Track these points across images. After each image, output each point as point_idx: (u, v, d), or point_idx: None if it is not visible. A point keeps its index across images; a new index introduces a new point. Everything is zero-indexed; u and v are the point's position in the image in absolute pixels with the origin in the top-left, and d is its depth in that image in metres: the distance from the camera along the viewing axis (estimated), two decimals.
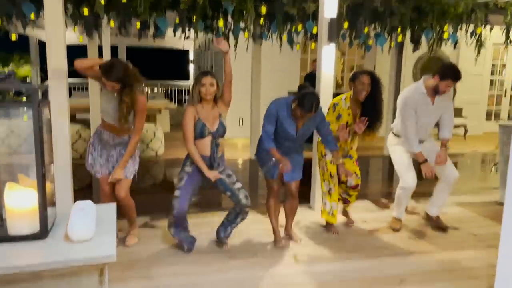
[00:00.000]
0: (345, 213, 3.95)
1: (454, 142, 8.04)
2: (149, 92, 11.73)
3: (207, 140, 3.03)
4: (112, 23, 4.71)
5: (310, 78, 7.57)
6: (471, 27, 5.51)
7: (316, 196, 4.21)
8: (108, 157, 3.15)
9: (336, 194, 3.60)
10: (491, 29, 5.59)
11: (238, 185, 3.11)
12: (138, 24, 4.81)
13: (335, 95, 4.24)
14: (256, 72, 6.54)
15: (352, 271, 3.02)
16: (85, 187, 5.14)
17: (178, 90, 13.38)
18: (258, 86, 6.61)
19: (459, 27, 5.45)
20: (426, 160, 3.48)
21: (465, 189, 5.16)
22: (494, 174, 6.24)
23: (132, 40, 10.10)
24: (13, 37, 5.20)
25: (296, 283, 2.82)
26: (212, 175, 3.03)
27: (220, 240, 3.30)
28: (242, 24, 5.17)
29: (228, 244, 3.32)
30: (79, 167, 3.98)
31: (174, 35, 5.24)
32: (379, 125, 3.52)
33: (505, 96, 10.48)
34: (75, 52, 4.51)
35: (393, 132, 3.77)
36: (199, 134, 3.00)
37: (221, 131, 3.06)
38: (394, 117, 3.95)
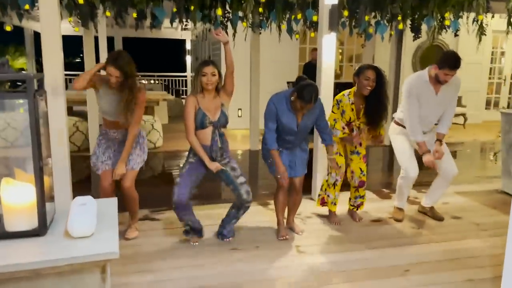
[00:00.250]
0: (351, 212, 3.84)
1: (453, 131, 8.02)
2: (146, 83, 11.63)
3: (208, 130, 2.99)
4: (108, 13, 4.63)
5: (309, 67, 7.52)
6: (472, 14, 5.44)
7: (318, 188, 4.18)
8: (114, 153, 3.15)
9: (340, 185, 3.58)
10: (492, 16, 5.52)
11: (241, 179, 3.08)
12: (134, 14, 4.73)
13: (335, 85, 4.19)
14: (255, 62, 6.46)
15: (355, 262, 2.99)
16: (84, 180, 5.10)
17: (175, 81, 13.29)
18: (257, 76, 6.54)
19: (460, 14, 5.37)
20: (428, 151, 3.44)
21: (466, 178, 5.15)
22: (495, 163, 6.23)
23: (129, 31, 9.99)
24: (8, 28, 5.11)
25: (299, 275, 2.80)
26: (213, 166, 2.98)
27: (223, 238, 3.27)
28: (240, 13, 5.10)
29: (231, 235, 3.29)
30: (77, 159, 3.93)
31: (172, 25, 5.17)
32: (383, 121, 3.46)
33: (504, 84, 10.43)
34: (70, 43, 4.43)
35: (395, 121, 3.72)
36: (200, 124, 2.96)
37: (222, 121, 3.01)
38: (394, 107, 3.90)
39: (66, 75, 4.47)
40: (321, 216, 3.82)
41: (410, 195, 4.01)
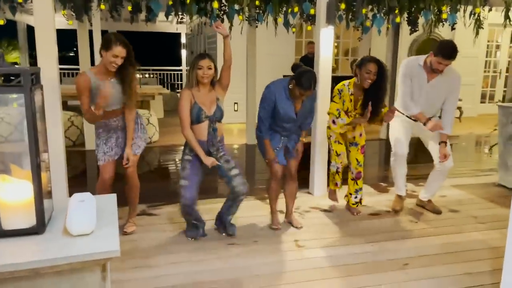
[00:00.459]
0: (349, 206, 3.83)
1: None
2: (141, 77, 11.54)
3: (204, 125, 2.95)
4: (102, 6, 4.56)
5: (305, 61, 7.47)
6: (469, 8, 5.42)
7: (315, 181, 4.17)
8: (119, 140, 3.09)
9: (341, 172, 3.62)
10: (489, 9, 5.51)
11: (235, 171, 3.05)
12: (129, 7, 4.66)
13: (332, 78, 4.17)
14: (251, 56, 6.42)
15: (354, 256, 2.99)
16: (79, 175, 5.06)
17: (170, 75, 13.20)
18: (254, 70, 6.49)
19: (457, 7, 5.36)
20: (429, 119, 3.41)
21: (463, 171, 5.16)
22: (490, 156, 6.25)
23: (124, 25, 9.88)
24: (1, 22, 5.03)
25: (298, 269, 2.79)
26: (209, 161, 2.95)
27: (225, 232, 3.25)
28: (237, 6, 5.04)
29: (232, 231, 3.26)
30: (72, 154, 3.89)
31: (167, 19, 5.11)
32: (379, 112, 3.45)
33: (499, 77, 10.45)
34: (64, 36, 4.37)
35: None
36: (196, 118, 2.92)
37: (218, 115, 2.98)
38: (391, 99, 3.88)
39: (60, 69, 4.42)
40: (319, 210, 3.82)
41: (408, 188, 4.01)
